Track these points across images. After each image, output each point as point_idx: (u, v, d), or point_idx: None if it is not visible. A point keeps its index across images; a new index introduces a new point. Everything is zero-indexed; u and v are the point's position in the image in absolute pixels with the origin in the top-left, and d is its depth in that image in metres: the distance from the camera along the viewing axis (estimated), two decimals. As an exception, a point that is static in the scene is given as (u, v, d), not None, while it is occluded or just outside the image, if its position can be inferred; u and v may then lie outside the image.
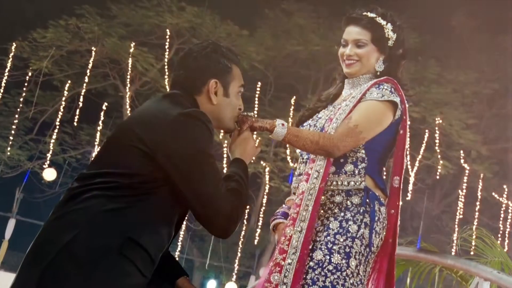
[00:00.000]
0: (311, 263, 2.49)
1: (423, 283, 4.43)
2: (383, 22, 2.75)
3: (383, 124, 2.65)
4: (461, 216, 14.19)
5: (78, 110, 13.62)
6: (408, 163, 13.55)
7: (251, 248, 15.22)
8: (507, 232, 14.37)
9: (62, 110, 13.87)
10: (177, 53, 12.27)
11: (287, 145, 11.20)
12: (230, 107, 2.38)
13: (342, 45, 2.81)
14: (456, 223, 14.04)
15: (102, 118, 13.76)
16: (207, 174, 2.11)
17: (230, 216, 2.12)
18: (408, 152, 10.77)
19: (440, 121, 14.08)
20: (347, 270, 2.46)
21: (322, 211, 2.61)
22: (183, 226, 12.74)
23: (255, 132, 2.54)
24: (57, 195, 14.44)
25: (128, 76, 14.06)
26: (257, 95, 14.04)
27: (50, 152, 13.83)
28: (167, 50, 13.97)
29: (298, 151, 2.78)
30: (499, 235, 14.04)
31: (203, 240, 16.31)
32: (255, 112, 12.84)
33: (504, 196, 14.65)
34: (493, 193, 14.78)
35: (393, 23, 2.77)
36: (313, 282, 2.45)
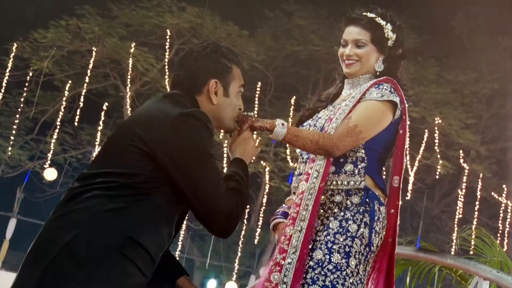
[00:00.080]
0: (311, 263, 2.49)
1: (423, 283, 4.43)
2: (383, 22, 2.75)
3: (382, 124, 2.65)
4: (460, 216, 14.20)
5: (78, 110, 13.64)
6: (408, 162, 13.57)
7: (251, 248, 15.23)
8: (506, 231, 14.38)
9: (62, 110, 13.89)
10: (178, 53, 12.29)
11: (287, 145, 11.23)
12: (230, 107, 2.38)
13: (342, 45, 2.81)
14: (456, 222, 14.05)
15: (102, 118, 13.79)
16: (207, 174, 2.11)
17: (230, 215, 2.13)
18: (407, 152, 10.77)
19: (440, 121, 14.09)
20: (347, 270, 2.46)
21: (322, 210, 2.61)
22: (184, 226, 12.76)
23: (255, 132, 2.54)
24: (58, 194, 14.46)
25: (129, 76, 14.07)
26: (257, 95, 14.05)
27: (51, 152, 13.84)
28: (168, 50, 13.99)
29: (298, 151, 2.78)
30: (499, 235, 14.06)
31: (203, 239, 16.31)
32: (255, 112, 12.84)
33: (503, 195, 14.67)
34: (493, 193, 14.80)
35: (392, 23, 2.77)
36: (313, 282, 2.45)
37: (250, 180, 2.38)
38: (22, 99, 13.70)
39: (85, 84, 13.62)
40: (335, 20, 13.52)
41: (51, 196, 14.93)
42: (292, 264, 2.48)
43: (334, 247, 2.49)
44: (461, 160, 14.57)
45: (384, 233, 2.64)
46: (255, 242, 14.67)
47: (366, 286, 2.59)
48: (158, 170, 2.08)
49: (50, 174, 13.40)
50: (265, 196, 14.65)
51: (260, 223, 14.56)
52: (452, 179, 16.06)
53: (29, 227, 12.34)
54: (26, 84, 13.72)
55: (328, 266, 2.46)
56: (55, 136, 13.95)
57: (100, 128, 13.73)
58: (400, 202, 2.74)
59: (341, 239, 2.51)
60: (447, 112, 14.63)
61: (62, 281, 1.93)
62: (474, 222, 13.24)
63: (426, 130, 14.15)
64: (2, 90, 13.55)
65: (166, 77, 13.74)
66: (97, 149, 13.04)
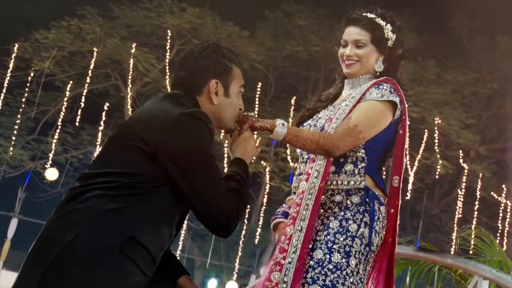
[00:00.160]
0: (311, 262, 2.49)
1: (423, 282, 4.42)
2: (383, 23, 2.75)
3: (382, 124, 2.65)
4: (460, 216, 14.22)
5: (79, 111, 13.65)
6: (408, 162, 13.59)
7: (251, 247, 15.24)
8: (505, 231, 14.39)
9: (64, 110, 13.92)
10: (178, 54, 12.33)
11: (288, 145, 11.25)
12: (231, 107, 2.38)
13: (342, 45, 2.81)
14: (455, 222, 14.07)
15: (103, 118, 13.81)
16: (208, 174, 2.12)
17: (231, 215, 2.13)
18: (407, 152, 10.80)
19: (439, 121, 14.11)
20: (347, 269, 2.46)
21: (322, 210, 2.61)
22: (184, 226, 12.78)
23: (255, 132, 2.54)
24: (59, 194, 14.47)
25: (130, 77, 14.10)
26: (257, 95, 14.07)
27: (52, 152, 13.86)
28: (168, 50, 14.01)
29: (298, 151, 2.78)
30: (498, 234, 14.08)
31: (204, 239, 16.31)
32: (256, 112, 12.85)
33: (503, 195, 14.68)
34: (492, 193, 14.81)
35: (392, 23, 2.77)
36: (313, 281, 2.45)
37: (250, 180, 2.38)
38: (23, 100, 13.73)
39: (86, 85, 13.64)
40: (335, 20, 13.55)
41: (53, 196, 14.94)
42: (292, 264, 2.48)
43: (334, 246, 2.50)
44: (461, 160, 14.59)
45: (384, 232, 2.64)
46: (256, 242, 14.68)
47: (366, 285, 2.59)
48: (159, 170, 2.09)
49: (52, 174, 13.41)
50: (266, 196, 14.68)
51: (260, 222, 14.57)
52: (451, 179, 16.07)
53: (31, 227, 12.37)
54: (28, 84, 13.74)
55: (328, 266, 2.46)
56: (56, 136, 13.98)
57: (101, 128, 13.75)
58: (400, 202, 2.74)
59: (341, 239, 2.51)
60: (447, 112, 14.64)
61: (63, 281, 1.93)
62: (474, 222, 13.26)
63: (426, 130, 14.16)
64: (4, 91, 13.56)
65: (167, 77, 13.78)
66: (98, 149, 13.05)
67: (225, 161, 12.56)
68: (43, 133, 14.97)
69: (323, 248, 2.50)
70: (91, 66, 13.61)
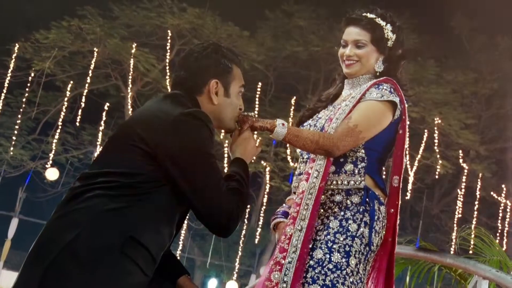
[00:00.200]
0: (311, 262, 2.50)
1: (422, 282, 4.43)
2: (383, 23, 2.75)
3: (382, 124, 2.65)
4: (460, 215, 14.23)
5: (80, 111, 13.66)
6: (408, 162, 13.60)
7: (251, 247, 15.25)
8: (505, 231, 14.41)
9: (64, 110, 13.94)
10: (178, 54, 12.31)
11: (288, 145, 11.27)
12: (231, 107, 2.38)
13: (342, 45, 2.81)
14: (455, 222, 14.08)
15: (104, 118, 13.82)
16: (208, 174, 2.12)
17: (231, 215, 2.13)
18: (407, 152, 10.82)
19: (439, 121, 14.12)
20: (347, 269, 2.47)
21: (322, 210, 2.62)
22: (184, 225, 12.79)
23: (255, 132, 2.54)
24: (60, 194, 14.47)
25: (130, 77, 14.12)
26: (257, 95, 14.09)
27: (53, 152, 13.88)
28: (168, 51, 14.03)
29: (298, 150, 2.79)
30: (498, 234, 14.09)
31: (204, 239, 16.33)
32: (256, 112, 12.87)
33: (503, 195, 14.69)
34: (492, 193, 14.82)
35: (392, 23, 2.77)
36: (313, 281, 2.46)
37: (250, 180, 2.38)
38: (24, 100, 13.73)
39: (87, 85, 13.66)
40: (335, 20, 13.57)
41: (53, 196, 14.95)
42: (292, 263, 2.49)
43: (334, 246, 2.50)
44: (461, 160, 14.60)
45: (384, 232, 2.64)
46: (256, 242, 14.69)
47: (366, 285, 2.60)
48: (159, 170, 2.09)
49: (52, 174, 13.43)
50: (266, 196, 14.69)
51: (260, 222, 14.59)
52: (451, 179, 16.09)
53: (31, 226, 12.38)
54: (28, 84, 13.74)
55: (328, 265, 2.47)
56: (56, 136, 13.99)
57: (101, 128, 13.77)
58: (400, 202, 2.74)
59: (341, 239, 2.51)
60: (447, 112, 14.65)
61: (64, 281, 1.94)
62: (474, 222, 13.27)
63: (425, 130, 14.18)
64: (4, 91, 13.57)
65: (167, 77, 13.81)
66: (99, 149, 13.05)
67: (225, 161, 12.58)
68: (43, 133, 14.99)
69: (323, 248, 2.51)
70: (92, 66, 13.62)
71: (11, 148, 13.97)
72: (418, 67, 14.60)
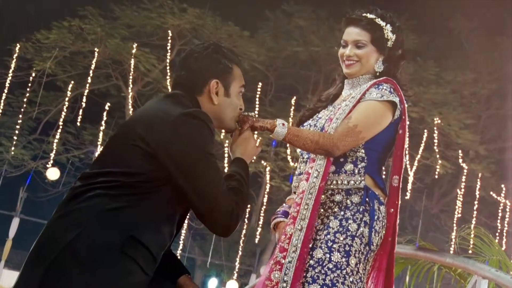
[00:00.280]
0: (311, 261, 2.51)
1: (422, 281, 4.44)
2: (383, 23, 2.76)
3: (382, 124, 2.66)
4: (459, 215, 14.23)
5: (81, 110, 13.67)
6: (407, 162, 13.60)
7: (252, 247, 15.25)
8: (504, 230, 14.41)
9: (65, 110, 13.94)
10: (179, 54, 12.25)
11: (288, 145, 11.29)
12: (231, 107, 2.38)
13: (342, 45, 2.82)
14: (455, 222, 14.08)
15: (104, 118, 13.81)
16: (208, 173, 2.12)
17: (231, 214, 2.13)
18: (407, 152, 10.83)
19: (439, 121, 14.12)
20: (347, 268, 2.48)
21: (322, 210, 2.63)
22: (185, 225, 12.84)
23: (255, 132, 2.54)
24: (61, 194, 14.46)
25: (131, 77, 14.13)
26: (258, 95, 14.09)
27: (54, 152, 13.89)
28: (169, 51, 14.04)
29: (298, 150, 2.80)
30: (497, 234, 14.10)
31: (204, 238, 16.35)
32: (256, 112, 12.88)
33: (502, 195, 14.70)
34: (491, 192, 14.82)
35: (392, 24, 2.78)
36: (313, 280, 2.46)
37: (250, 180, 2.39)
38: (25, 100, 13.74)
39: (88, 85, 13.66)
40: (335, 21, 13.60)
41: (54, 196, 14.93)
42: (292, 263, 2.50)
43: (334, 246, 2.51)
44: (460, 160, 14.60)
45: (383, 232, 2.64)
46: (256, 241, 14.69)
47: (366, 284, 2.61)
48: (160, 169, 2.09)
49: (53, 173, 13.44)
50: (266, 196, 14.70)
51: (260, 222, 14.58)
52: (451, 179, 16.09)
53: (32, 226, 12.38)
54: (29, 84, 13.74)
55: (328, 265, 2.48)
56: (57, 136, 13.99)
57: (102, 128, 13.76)
58: (400, 202, 2.75)
59: (341, 238, 2.52)
60: (446, 112, 14.66)
61: (64, 280, 1.94)
62: (473, 221, 13.25)
63: (425, 130, 14.17)
64: (5, 91, 13.56)
65: (168, 77, 13.82)
66: (99, 149, 13.09)
67: (225, 161, 12.60)
68: (44, 133, 14.99)
69: (323, 248, 2.52)
70: (92, 66, 13.63)
71: (12, 148, 13.98)
72: (418, 68, 14.61)
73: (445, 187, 16.93)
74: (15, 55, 13.44)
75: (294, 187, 2.76)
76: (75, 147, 15.70)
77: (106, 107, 13.83)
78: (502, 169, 15.44)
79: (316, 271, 2.48)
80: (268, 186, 14.66)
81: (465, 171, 14.51)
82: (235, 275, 14.71)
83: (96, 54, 13.71)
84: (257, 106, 13.89)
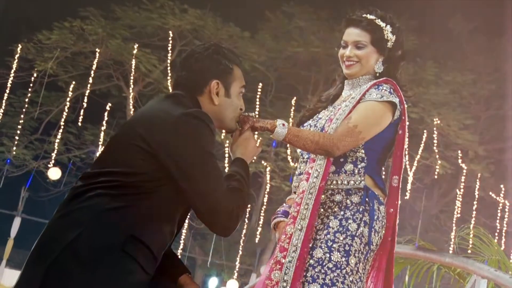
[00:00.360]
0: (311, 261, 2.51)
1: (422, 281, 4.45)
2: (383, 24, 2.77)
3: (382, 124, 2.66)
4: (458, 215, 14.23)
5: (82, 111, 13.70)
6: (407, 162, 13.62)
7: (252, 246, 15.25)
8: (504, 230, 14.42)
9: (66, 110, 13.93)
10: (180, 55, 12.38)
11: (288, 145, 11.33)
12: (232, 107, 2.39)
13: (342, 46, 2.82)
14: (454, 222, 14.09)
15: (106, 118, 13.83)
16: (209, 173, 2.12)
17: (231, 214, 2.13)
18: (406, 152, 10.84)
19: (438, 122, 14.14)
20: (347, 268, 2.49)
21: (322, 209, 2.64)
22: (185, 224, 12.86)
23: (256, 132, 2.55)
24: (62, 194, 14.48)
25: (132, 77, 14.14)
26: (258, 96, 14.10)
27: (55, 152, 13.91)
28: (170, 51, 14.05)
29: (298, 151, 2.80)
30: (496, 234, 14.11)
31: (205, 238, 16.36)
32: (256, 112, 12.88)
33: (501, 195, 14.71)
34: (490, 193, 14.81)
35: (392, 25, 2.78)
36: (313, 280, 2.47)
37: (251, 180, 2.39)
38: (26, 100, 13.76)
39: (89, 85, 13.67)
40: (335, 22, 13.63)
41: (55, 195, 14.95)
42: (292, 263, 2.50)
43: (334, 245, 2.52)
44: (460, 160, 14.61)
45: (383, 232, 2.65)
46: (256, 241, 14.68)
47: (365, 284, 2.62)
48: (160, 169, 2.09)
49: (54, 173, 13.46)
50: (266, 196, 14.70)
51: (261, 222, 14.57)
52: (450, 179, 16.07)
53: (33, 225, 12.43)
54: (31, 85, 13.76)
55: (328, 265, 2.49)
56: (59, 136, 14.00)
57: (103, 128, 13.78)
58: (399, 202, 2.76)
59: (341, 238, 2.53)
60: (446, 113, 14.66)
61: (65, 280, 1.94)
62: (472, 222, 13.23)
63: (425, 131, 14.17)
64: (7, 91, 13.57)
65: (168, 78, 13.85)
66: (100, 149, 13.12)
67: (226, 161, 12.64)
68: (46, 133, 15.02)
69: (323, 247, 2.53)
70: (94, 67, 13.64)
71: (14, 148, 14.00)
72: (417, 68, 14.61)
73: (445, 187, 16.91)
74: (17, 55, 13.45)
75: (294, 187, 2.77)
76: (76, 147, 15.71)
77: (107, 107, 13.84)
78: (501, 169, 15.44)
79: (316, 270, 2.49)
80: (268, 186, 14.67)
81: (464, 171, 14.52)
82: (236, 274, 14.72)
83: (97, 54, 13.72)
84: (257, 106, 13.90)
